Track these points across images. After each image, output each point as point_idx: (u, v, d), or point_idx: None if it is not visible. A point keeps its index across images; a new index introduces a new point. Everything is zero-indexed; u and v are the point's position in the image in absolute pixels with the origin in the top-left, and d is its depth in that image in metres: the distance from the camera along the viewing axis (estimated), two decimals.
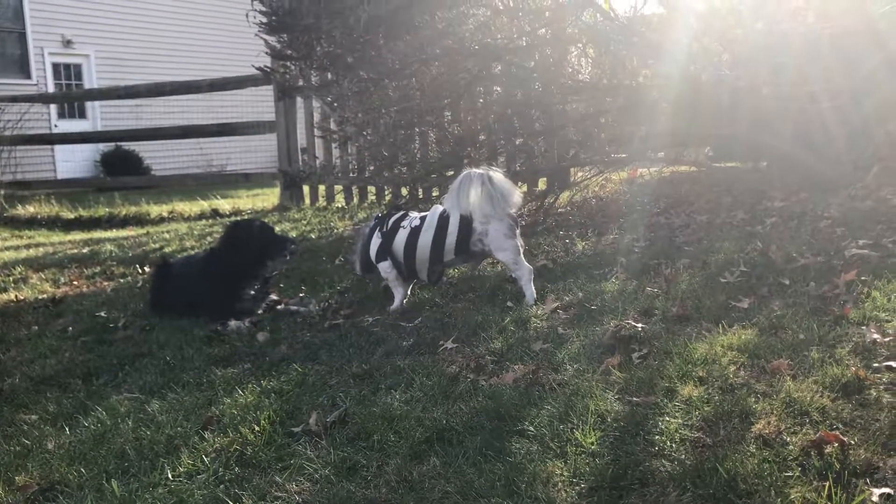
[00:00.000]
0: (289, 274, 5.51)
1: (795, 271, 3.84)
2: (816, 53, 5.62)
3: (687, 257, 4.39)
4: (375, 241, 4.24)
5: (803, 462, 2.16)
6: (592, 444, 2.38)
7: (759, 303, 3.49)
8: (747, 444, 2.27)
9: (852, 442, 2.20)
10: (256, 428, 2.75)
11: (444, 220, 4.11)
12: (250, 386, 3.23)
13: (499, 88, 7.04)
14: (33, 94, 15.59)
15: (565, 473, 2.25)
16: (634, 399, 2.65)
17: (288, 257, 4.68)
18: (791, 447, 2.23)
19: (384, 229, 4.24)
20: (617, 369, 2.92)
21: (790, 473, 2.11)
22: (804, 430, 2.31)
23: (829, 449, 2.17)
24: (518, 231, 4.09)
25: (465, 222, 4.03)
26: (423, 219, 4.19)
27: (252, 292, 4.56)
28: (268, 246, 4.59)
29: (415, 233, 4.14)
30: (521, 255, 4.06)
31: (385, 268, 4.22)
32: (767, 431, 2.32)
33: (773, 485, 2.06)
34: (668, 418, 2.48)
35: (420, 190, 7.90)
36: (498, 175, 4.00)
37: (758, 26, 5.90)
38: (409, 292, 4.34)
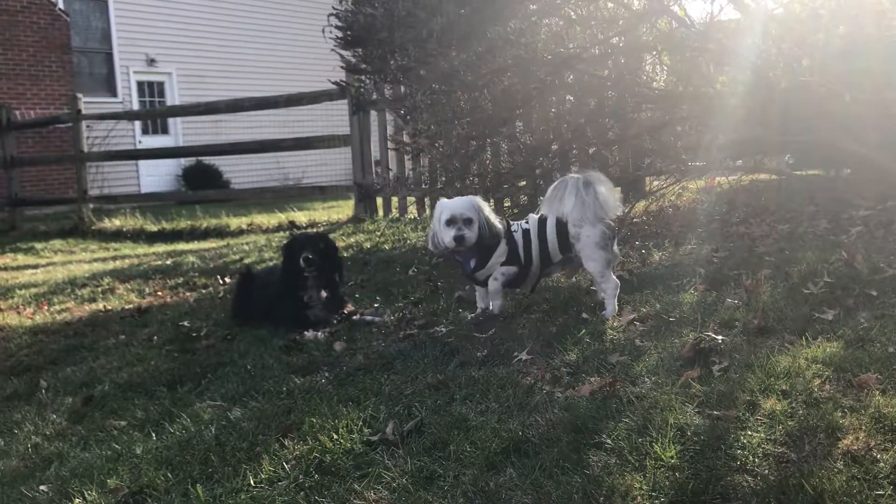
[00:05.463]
0: (363, 284, 5.59)
1: (883, 282, 3.71)
2: None
3: (768, 268, 4.28)
4: (505, 245, 4.09)
5: None
6: (672, 457, 2.35)
7: (844, 315, 3.38)
8: (834, 461, 2.20)
9: None
10: (335, 436, 2.80)
11: (542, 223, 4.09)
12: (328, 394, 3.29)
13: (571, 97, 7.00)
14: (119, 112, 16.26)
15: (644, 487, 2.22)
16: (715, 413, 2.59)
17: (305, 271, 4.54)
18: (882, 464, 2.15)
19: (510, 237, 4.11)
20: (697, 382, 2.86)
21: (881, 492, 2.04)
22: None
23: None
24: (615, 240, 4.05)
25: (562, 224, 4.02)
26: (527, 222, 4.15)
27: (320, 302, 4.61)
28: (295, 258, 4.58)
29: (527, 238, 4.10)
30: (611, 268, 4.00)
31: (510, 273, 4.12)
32: (856, 447, 2.25)
33: (864, 503, 1.99)
34: (750, 432, 2.42)
35: (492, 200, 7.91)
36: (596, 177, 3.98)
37: (839, 30, 5.72)
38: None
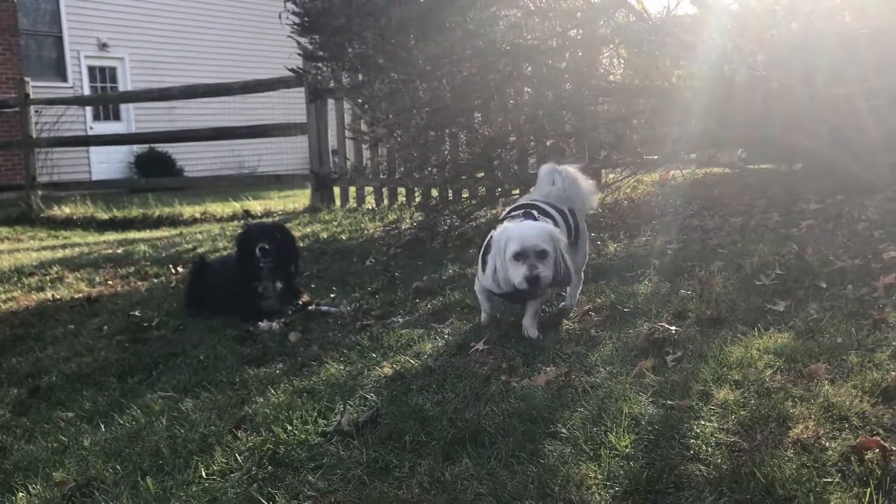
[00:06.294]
0: (320, 275, 5.54)
1: (832, 274, 3.78)
2: (853, 53, 5.54)
3: (721, 260, 4.34)
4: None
5: (843, 468, 2.12)
6: (626, 447, 2.36)
7: (795, 306, 3.44)
8: (785, 449, 2.24)
9: (894, 448, 2.15)
10: (289, 427, 2.76)
11: (564, 216, 3.77)
12: (283, 385, 3.25)
13: (529, 89, 7.02)
14: (69, 97, 15.84)
15: (599, 476, 2.23)
16: (669, 402, 2.62)
17: (261, 261, 4.48)
18: (830, 452, 2.19)
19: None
20: (651, 372, 2.89)
21: (830, 479, 2.07)
22: (843, 436, 2.27)
23: (869, 455, 2.13)
24: None
25: (572, 214, 3.82)
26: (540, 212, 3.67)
27: (275, 292, 4.56)
28: (250, 248, 4.51)
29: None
30: None
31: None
32: (805, 436, 2.28)
33: (812, 490, 2.03)
34: (703, 422, 2.45)
35: (450, 191, 7.90)
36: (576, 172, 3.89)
37: (793, 26, 5.82)
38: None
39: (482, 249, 3.63)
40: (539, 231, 3.32)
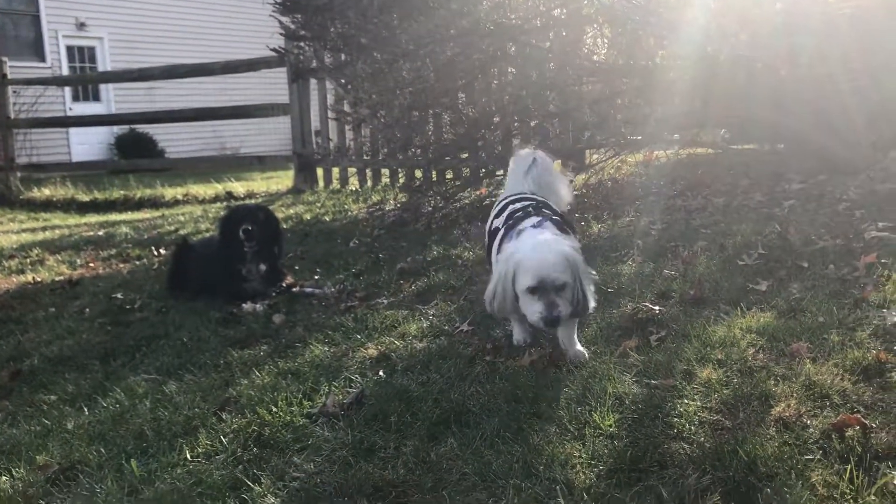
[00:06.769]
0: (303, 256, 5.52)
1: (814, 254, 3.81)
2: (835, 34, 5.55)
3: (704, 240, 4.36)
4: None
5: (824, 445, 2.14)
6: (611, 426, 2.37)
7: (777, 286, 3.46)
8: (767, 427, 2.26)
9: (874, 425, 2.18)
10: (274, 409, 2.76)
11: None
12: (267, 367, 3.24)
13: (513, 70, 6.98)
14: (48, 77, 15.65)
15: (584, 455, 2.24)
16: (652, 381, 2.63)
17: (245, 244, 4.45)
18: (812, 430, 2.21)
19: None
20: (634, 352, 2.90)
21: (811, 456, 2.09)
22: (825, 414, 2.29)
23: (850, 432, 2.16)
24: None
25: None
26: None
27: (259, 274, 4.54)
28: (233, 230, 4.48)
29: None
30: None
31: None
32: (787, 414, 2.30)
33: (794, 468, 2.05)
34: (686, 401, 2.46)
35: (434, 172, 7.88)
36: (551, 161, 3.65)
37: (777, 6, 5.82)
38: None
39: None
40: (558, 258, 2.74)
